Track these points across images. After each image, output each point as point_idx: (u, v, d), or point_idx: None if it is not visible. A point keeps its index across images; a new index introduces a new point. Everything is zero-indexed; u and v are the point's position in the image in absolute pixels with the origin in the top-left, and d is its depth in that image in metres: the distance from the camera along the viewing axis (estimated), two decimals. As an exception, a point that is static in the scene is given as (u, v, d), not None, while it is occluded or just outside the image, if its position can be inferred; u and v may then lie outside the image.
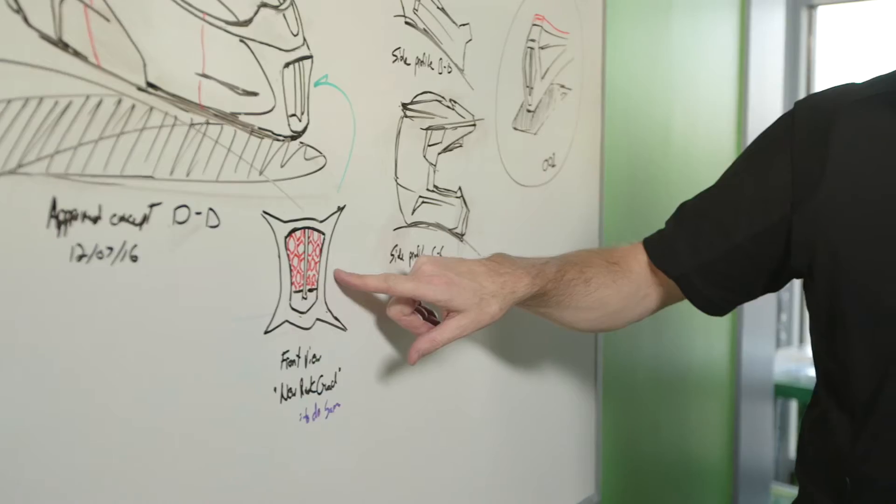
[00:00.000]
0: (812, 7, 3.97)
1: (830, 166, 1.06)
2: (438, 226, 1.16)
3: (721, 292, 1.21)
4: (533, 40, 1.34)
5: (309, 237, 0.95)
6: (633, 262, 1.24)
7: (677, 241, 1.21)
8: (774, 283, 1.20)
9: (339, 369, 1.01)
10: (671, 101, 2.03)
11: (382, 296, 1.06)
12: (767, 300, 2.87)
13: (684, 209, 1.25)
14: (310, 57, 0.93)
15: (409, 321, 1.02)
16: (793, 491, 3.21)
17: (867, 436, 1.06)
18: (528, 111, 1.34)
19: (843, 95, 1.11)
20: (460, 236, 1.20)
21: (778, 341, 3.87)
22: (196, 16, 0.81)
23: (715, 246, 1.18)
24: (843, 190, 1.05)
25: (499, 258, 1.08)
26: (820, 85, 3.51)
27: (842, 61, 3.95)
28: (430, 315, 1.04)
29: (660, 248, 1.23)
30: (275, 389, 0.92)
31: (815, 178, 1.07)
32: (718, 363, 2.51)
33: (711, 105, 2.30)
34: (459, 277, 1.01)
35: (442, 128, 1.15)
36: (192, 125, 0.81)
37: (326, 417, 1.00)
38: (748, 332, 2.66)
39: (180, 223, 0.80)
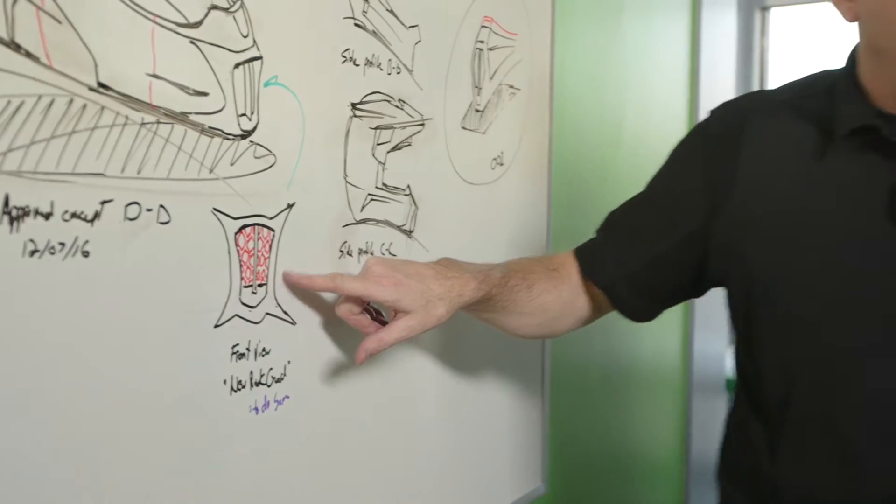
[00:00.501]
0: (765, 9, 4.03)
1: (742, 172, 1.10)
2: (387, 223, 1.19)
3: (646, 301, 1.25)
4: (482, 41, 1.38)
5: (259, 234, 0.98)
6: (570, 269, 1.28)
7: (605, 252, 1.25)
8: (696, 290, 1.24)
9: (289, 362, 1.04)
10: (623, 101, 2.07)
11: (331, 294, 1.09)
12: (720, 296, 2.92)
13: (611, 219, 1.29)
14: (259, 58, 0.96)
15: (357, 320, 1.04)
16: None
17: (781, 441, 1.10)
18: (477, 111, 1.38)
19: (755, 102, 1.16)
20: (409, 233, 1.23)
21: (731, 337, 3.93)
22: (147, 17, 0.83)
23: (639, 256, 1.21)
24: (753, 195, 1.09)
25: (446, 262, 1.11)
26: (773, 86, 3.56)
27: (795, 63, 4.02)
28: (378, 315, 1.07)
29: (590, 259, 1.27)
30: (225, 382, 0.95)
31: (728, 184, 1.11)
32: (670, 359, 2.56)
33: (664, 106, 2.34)
34: (408, 279, 1.03)
35: (391, 127, 1.18)
36: (143, 124, 0.83)
37: (276, 409, 1.02)
38: (700, 328, 2.71)
39: (131, 220, 0.83)
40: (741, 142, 1.12)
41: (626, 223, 1.25)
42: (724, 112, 1.19)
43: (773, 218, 1.07)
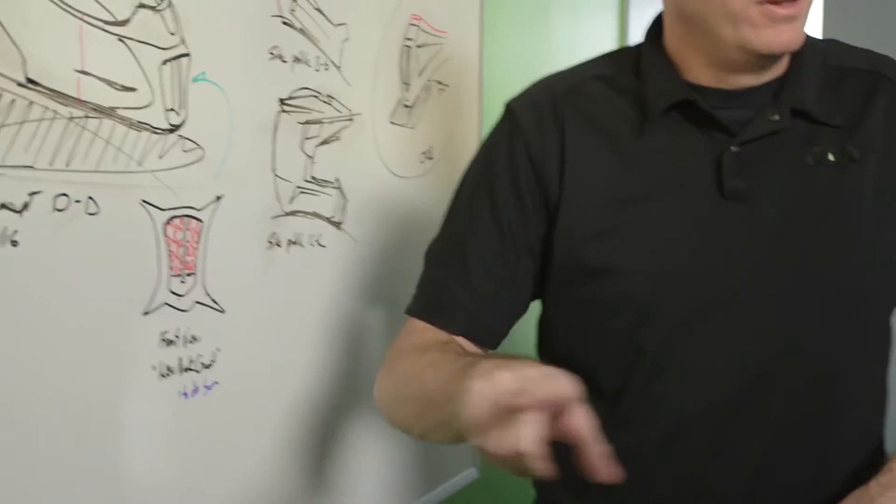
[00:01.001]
0: (699, 7, 4.11)
1: (570, 163, 1.04)
2: (316, 215, 1.23)
3: (508, 321, 1.12)
4: (410, 39, 1.42)
5: (187, 225, 1.01)
6: (433, 332, 1.09)
7: (454, 293, 1.08)
8: (541, 291, 1.14)
9: (218, 349, 1.07)
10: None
11: (260, 277, 1.12)
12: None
13: (438, 257, 1.12)
14: (187, 55, 0.99)
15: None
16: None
17: (614, 429, 0.95)
18: (406, 106, 1.42)
19: (556, 85, 1.10)
20: (338, 225, 1.27)
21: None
22: (75, 16, 0.86)
23: (499, 277, 1.08)
24: (585, 186, 1.04)
25: (488, 356, 0.96)
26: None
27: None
28: None
29: (439, 310, 1.09)
30: (153, 367, 0.98)
31: (561, 177, 1.04)
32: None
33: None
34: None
35: (319, 122, 1.22)
36: (71, 118, 0.86)
37: (205, 395, 1.06)
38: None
39: (60, 210, 0.85)
40: (564, 131, 1.05)
41: (462, 253, 1.08)
42: (527, 103, 1.09)
43: (605, 207, 1.03)
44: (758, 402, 1.01)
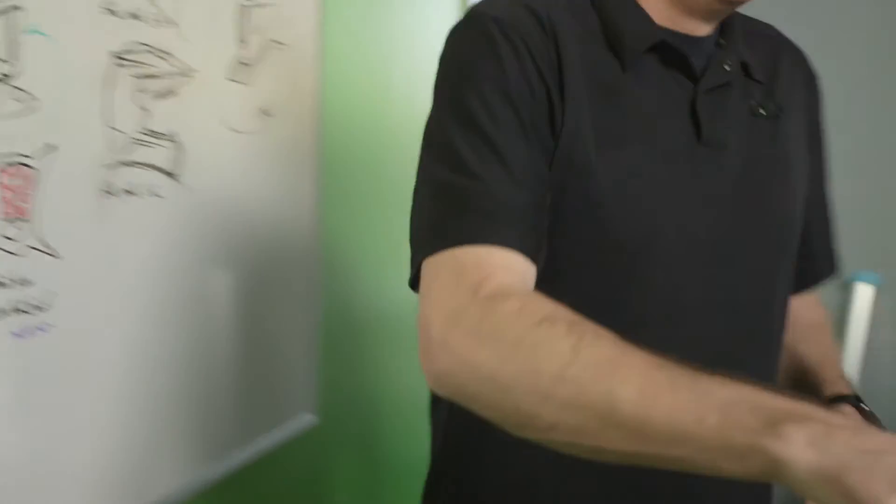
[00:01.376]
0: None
1: (566, 81, 0.96)
2: (152, 166, 1.27)
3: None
4: (248, -1, 1.47)
5: (20, 172, 1.05)
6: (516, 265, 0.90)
7: (503, 200, 0.90)
8: None
9: (54, 293, 1.11)
10: (394, 52, 2.17)
11: (96, 225, 1.16)
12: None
13: (460, 168, 0.91)
14: (18, 7, 1.02)
15: None
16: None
17: None
18: (243, 64, 1.47)
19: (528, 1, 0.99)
20: (175, 176, 1.32)
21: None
22: None
23: (541, 190, 0.94)
24: (575, 105, 0.96)
25: (808, 404, 0.68)
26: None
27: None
28: None
29: (493, 223, 0.89)
30: (-15, 309, 1.02)
31: (559, 93, 0.96)
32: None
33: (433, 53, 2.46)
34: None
35: (155, 76, 1.26)
36: None
37: (41, 337, 1.09)
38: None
39: None
40: (558, 47, 0.96)
41: (499, 156, 0.90)
42: (509, 11, 0.97)
43: (593, 145, 0.95)
44: (731, 357, 0.97)
